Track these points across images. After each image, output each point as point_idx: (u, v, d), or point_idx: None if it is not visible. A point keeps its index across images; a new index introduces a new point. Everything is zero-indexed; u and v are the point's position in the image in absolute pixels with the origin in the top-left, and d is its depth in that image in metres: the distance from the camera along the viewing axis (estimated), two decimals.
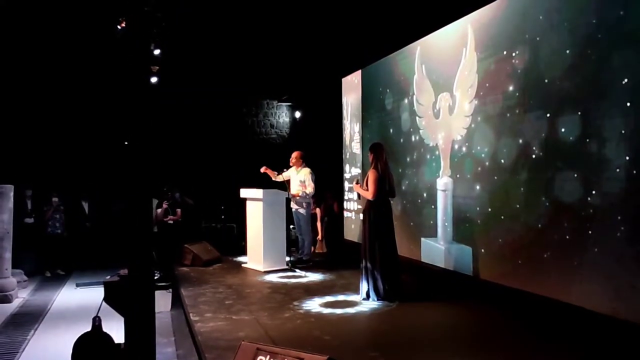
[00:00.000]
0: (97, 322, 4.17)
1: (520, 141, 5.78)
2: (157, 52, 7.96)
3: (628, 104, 4.46)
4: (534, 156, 5.57)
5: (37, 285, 9.06)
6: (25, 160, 10.74)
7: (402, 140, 8.46)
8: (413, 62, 8.13)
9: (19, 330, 6.54)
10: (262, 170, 8.44)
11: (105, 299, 3.92)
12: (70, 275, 9.88)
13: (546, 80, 5.41)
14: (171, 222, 10.31)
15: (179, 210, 10.47)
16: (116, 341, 4.19)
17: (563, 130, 5.17)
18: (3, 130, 10.77)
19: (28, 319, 6.99)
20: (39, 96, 11.25)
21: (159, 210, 10.27)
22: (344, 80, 11.12)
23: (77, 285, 8.74)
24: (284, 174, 8.48)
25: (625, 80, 4.49)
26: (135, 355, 3.20)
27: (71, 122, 11.35)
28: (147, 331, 3.13)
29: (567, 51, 5.12)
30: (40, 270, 9.92)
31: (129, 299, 3.24)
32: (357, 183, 6.49)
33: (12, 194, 8.22)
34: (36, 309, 7.46)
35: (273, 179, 8.53)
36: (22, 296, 8.27)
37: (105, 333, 4.25)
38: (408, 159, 8.25)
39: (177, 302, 6.73)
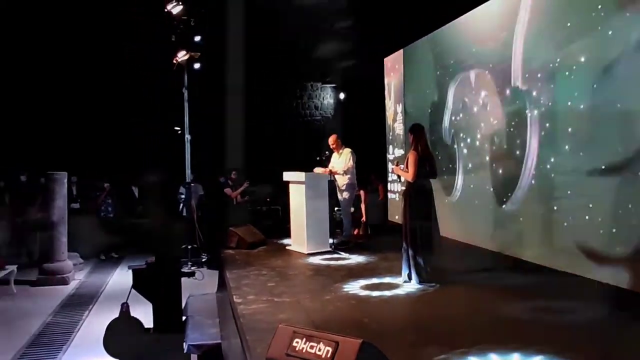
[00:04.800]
0: (124, 308, 4.32)
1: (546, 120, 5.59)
2: (197, 38, 8.05)
3: None
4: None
5: (92, 268, 9.47)
6: (69, 147, 11.10)
7: (445, 121, 8.31)
8: (458, 40, 7.93)
9: (76, 310, 6.88)
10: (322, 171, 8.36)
11: (134, 286, 4.06)
12: (123, 258, 10.25)
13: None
14: (238, 202, 10.88)
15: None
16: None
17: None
18: (50, 119, 11.20)
19: (84, 300, 7.33)
20: (90, 87, 11.61)
21: (228, 190, 10.69)
22: (385, 60, 10.98)
23: (130, 267, 9.06)
24: (332, 162, 8.45)
25: None
26: (163, 338, 3.31)
27: (119, 111, 11.68)
28: (175, 316, 3.23)
29: None
30: (95, 254, 10.35)
31: (155, 286, 3.34)
32: (397, 165, 6.41)
33: (65, 180, 8.56)
34: (91, 291, 7.81)
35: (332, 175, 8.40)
36: (79, 278, 8.66)
37: (135, 318, 4.38)
38: (449, 141, 8.11)
39: (222, 285, 6.88)
